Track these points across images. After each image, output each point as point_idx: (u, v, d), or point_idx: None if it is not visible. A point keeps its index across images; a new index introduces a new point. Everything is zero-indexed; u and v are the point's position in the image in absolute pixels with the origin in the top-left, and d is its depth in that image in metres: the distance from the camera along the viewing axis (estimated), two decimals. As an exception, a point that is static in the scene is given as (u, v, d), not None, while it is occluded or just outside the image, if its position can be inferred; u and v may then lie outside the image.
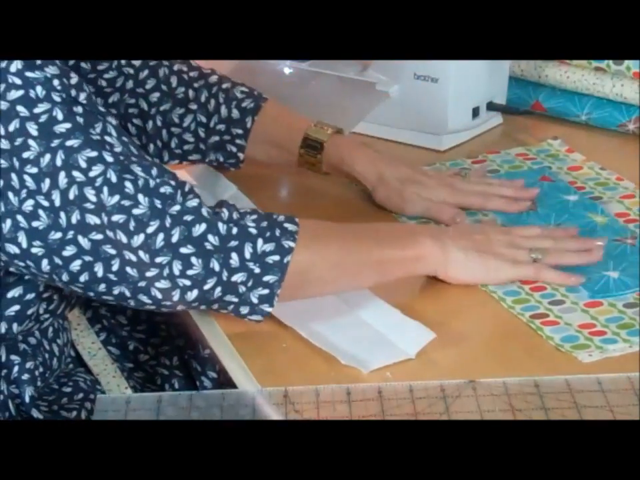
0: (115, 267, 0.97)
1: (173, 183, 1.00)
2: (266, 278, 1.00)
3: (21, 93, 0.96)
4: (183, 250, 0.98)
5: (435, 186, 1.26)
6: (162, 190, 0.99)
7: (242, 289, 1.00)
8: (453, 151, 1.45)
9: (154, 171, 0.99)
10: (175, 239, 0.98)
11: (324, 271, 1.05)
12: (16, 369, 1.13)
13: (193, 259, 0.98)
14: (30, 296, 1.10)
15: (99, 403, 0.98)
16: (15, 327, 1.10)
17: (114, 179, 0.97)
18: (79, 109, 0.98)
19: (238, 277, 1.00)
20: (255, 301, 1.01)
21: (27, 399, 1.14)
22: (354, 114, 1.45)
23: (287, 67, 1.51)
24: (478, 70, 1.44)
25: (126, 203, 0.97)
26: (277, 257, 1.00)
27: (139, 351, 1.29)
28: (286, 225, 1.02)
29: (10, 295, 1.08)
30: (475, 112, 1.46)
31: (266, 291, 1.01)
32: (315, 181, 1.35)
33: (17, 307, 1.09)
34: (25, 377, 1.13)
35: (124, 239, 0.97)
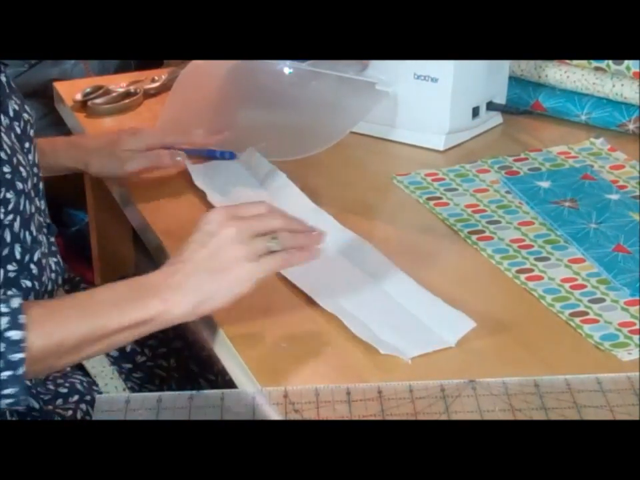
0: None
1: None
2: (6, 391, 0.96)
3: None
4: None
5: (143, 134, 1.32)
6: None
7: None
8: (453, 151, 1.45)
9: None
10: None
11: (63, 350, 0.99)
12: None
13: None
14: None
15: (99, 403, 0.98)
16: None
17: None
18: None
19: None
20: (8, 401, 0.97)
21: (28, 400, 1.14)
22: (354, 114, 1.45)
23: (286, 67, 1.51)
24: (478, 70, 1.44)
25: None
26: (9, 373, 0.96)
27: (136, 353, 1.28)
28: (8, 334, 0.96)
29: None
30: (475, 112, 1.46)
31: (11, 400, 0.97)
32: (316, 181, 1.35)
33: None
34: None
35: None
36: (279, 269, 1.06)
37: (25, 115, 1.16)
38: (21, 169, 1.09)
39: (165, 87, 1.62)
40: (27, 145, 1.15)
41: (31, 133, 1.17)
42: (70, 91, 1.63)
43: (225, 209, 1.05)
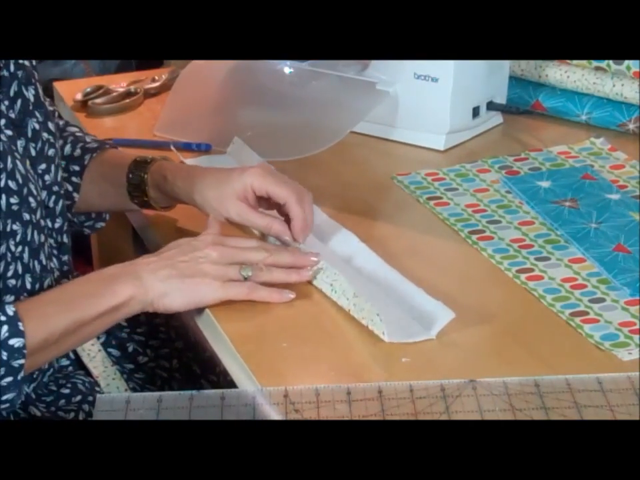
0: None
1: None
2: (5, 397, 1.01)
3: None
4: None
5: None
6: None
7: None
8: (453, 151, 1.45)
9: None
10: None
11: (47, 345, 1.03)
12: None
13: None
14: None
15: (99, 403, 0.98)
16: None
17: None
18: None
19: None
20: (4, 406, 1.02)
21: (23, 397, 1.14)
22: (354, 114, 1.45)
23: (287, 67, 1.51)
24: (478, 70, 1.44)
25: None
26: (10, 379, 1.00)
27: (138, 353, 1.28)
28: (11, 342, 0.99)
29: None
30: (475, 112, 1.46)
31: (7, 405, 1.02)
32: (316, 181, 1.35)
33: None
34: None
35: None
36: (242, 297, 1.08)
37: (45, 135, 1.15)
38: (30, 199, 1.09)
39: (165, 87, 1.62)
40: (42, 166, 1.15)
41: (50, 152, 1.16)
42: (70, 90, 1.63)
43: (217, 236, 1.11)
